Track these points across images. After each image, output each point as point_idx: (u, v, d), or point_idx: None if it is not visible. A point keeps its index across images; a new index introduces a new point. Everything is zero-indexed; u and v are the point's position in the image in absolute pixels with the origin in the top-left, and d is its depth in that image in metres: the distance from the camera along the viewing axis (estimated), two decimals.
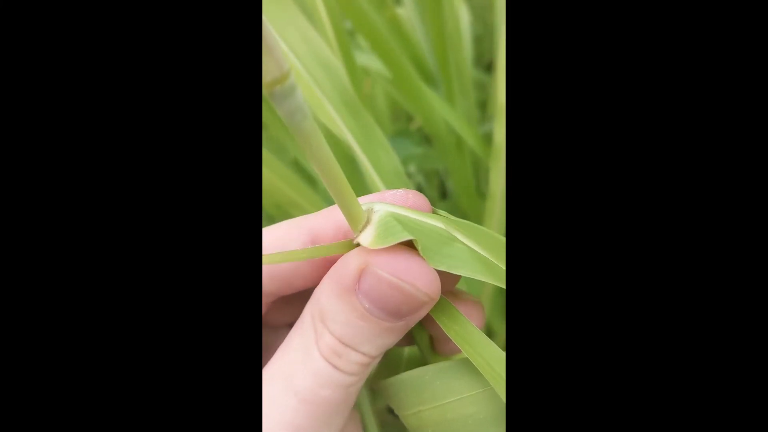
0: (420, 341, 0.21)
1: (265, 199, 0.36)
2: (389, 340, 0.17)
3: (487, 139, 0.46)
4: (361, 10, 0.36)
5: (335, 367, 0.17)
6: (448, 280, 0.19)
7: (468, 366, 0.17)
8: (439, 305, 0.17)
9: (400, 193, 0.18)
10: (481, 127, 0.54)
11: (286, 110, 0.12)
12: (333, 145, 0.35)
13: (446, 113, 0.42)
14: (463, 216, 0.49)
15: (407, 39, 0.56)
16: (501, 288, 0.42)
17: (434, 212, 0.20)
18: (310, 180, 0.43)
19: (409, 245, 0.16)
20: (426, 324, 0.20)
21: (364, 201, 0.17)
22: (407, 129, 0.58)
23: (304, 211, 0.35)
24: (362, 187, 0.37)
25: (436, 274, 0.16)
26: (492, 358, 0.16)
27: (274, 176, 0.35)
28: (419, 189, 0.53)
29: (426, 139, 0.54)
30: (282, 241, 0.19)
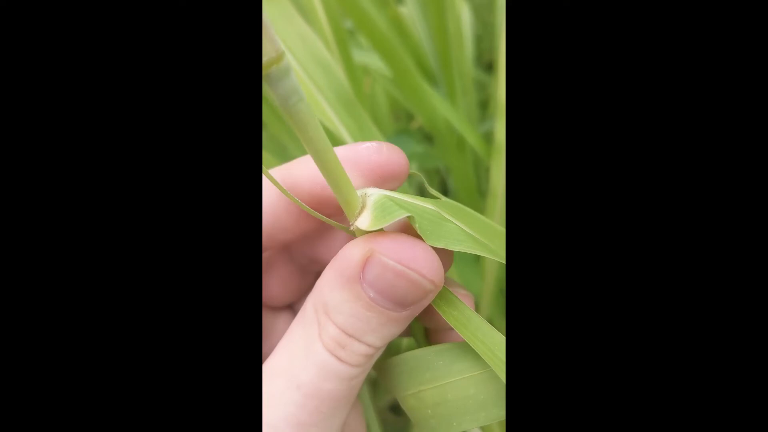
0: (416, 333, 0.21)
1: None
2: (393, 330, 0.17)
3: (488, 137, 0.46)
4: (362, 8, 0.36)
5: (339, 359, 0.16)
6: (443, 262, 0.19)
7: (469, 347, 0.17)
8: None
9: (373, 146, 0.18)
10: (481, 126, 0.55)
11: (282, 92, 0.12)
12: (333, 142, 0.36)
13: (447, 112, 0.42)
14: None
15: (409, 38, 0.56)
16: (501, 287, 0.43)
17: (427, 194, 0.20)
18: None
19: (410, 234, 0.16)
20: (420, 316, 0.20)
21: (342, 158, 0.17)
22: (408, 128, 0.58)
23: None
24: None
25: (440, 261, 0.16)
26: (492, 343, 0.16)
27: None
28: (420, 187, 0.54)
29: (427, 137, 0.54)
30: None
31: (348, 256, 0.16)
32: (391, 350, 0.23)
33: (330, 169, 0.15)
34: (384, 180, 0.18)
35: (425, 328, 0.21)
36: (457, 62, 0.52)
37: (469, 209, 0.19)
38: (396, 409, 0.47)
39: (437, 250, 0.18)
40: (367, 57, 0.49)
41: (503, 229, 0.19)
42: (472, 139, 0.43)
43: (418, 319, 0.20)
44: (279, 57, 0.12)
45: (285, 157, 0.47)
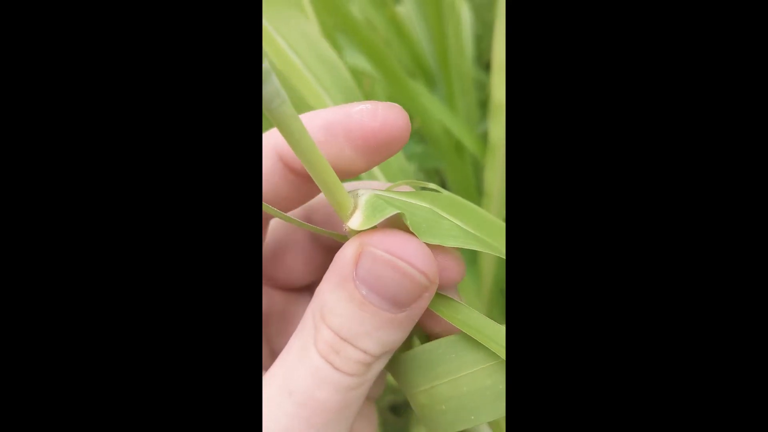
0: (418, 336, 0.21)
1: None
2: (390, 336, 0.16)
3: (486, 138, 0.46)
4: (346, 10, 0.36)
5: (332, 365, 0.16)
6: (454, 270, 0.18)
7: None
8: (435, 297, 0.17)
9: (367, 109, 0.17)
10: (481, 126, 0.55)
11: (265, 96, 0.12)
12: None
13: (443, 115, 0.43)
14: None
15: (407, 38, 0.56)
16: (500, 287, 0.43)
17: (425, 188, 0.20)
18: None
19: (406, 230, 0.16)
20: (421, 321, 0.19)
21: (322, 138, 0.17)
22: None
23: None
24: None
25: (433, 255, 0.16)
26: (497, 336, 0.16)
27: None
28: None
29: (425, 138, 0.54)
30: None
31: (342, 255, 0.16)
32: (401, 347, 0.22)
33: (318, 171, 0.15)
34: (380, 148, 0.17)
35: (426, 335, 0.21)
36: (455, 62, 0.52)
37: (467, 203, 0.19)
38: (396, 409, 0.48)
39: (448, 258, 0.18)
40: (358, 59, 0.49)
41: (502, 223, 0.19)
42: (468, 140, 0.43)
43: (418, 325, 0.20)
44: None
45: None
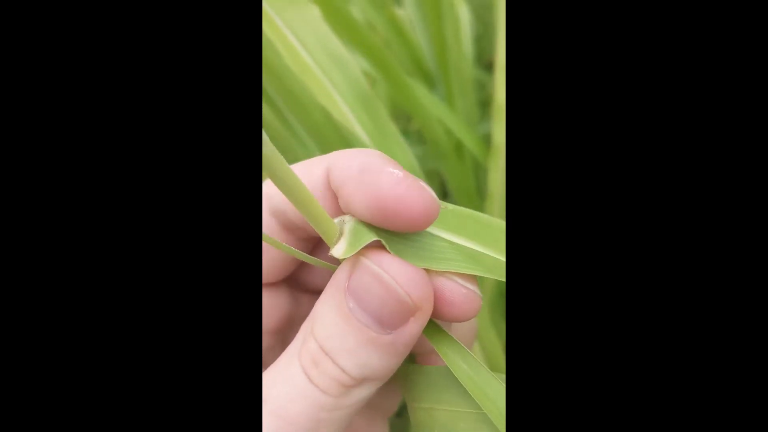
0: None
1: None
2: (371, 359, 0.15)
3: (487, 139, 0.46)
4: (342, 11, 0.36)
5: (309, 378, 0.15)
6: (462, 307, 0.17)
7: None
8: (439, 334, 0.17)
9: (396, 174, 0.16)
10: (481, 127, 0.55)
11: None
12: (346, 141, 0.36)
13: (444, 115, 0.43)
14: None
15: (407, 39, 0.56)
16: (501, 290, 0.43)
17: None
18: None
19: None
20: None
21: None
22: (407, 129, 0.59)
23: None
24: None
25: (427, 279, 0.16)
26: (491, 391, 0.16)
27: None
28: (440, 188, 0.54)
29: (426, 139, 0.55)
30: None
31: (341, 269, 0.16)
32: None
33: (302, 203, 0.15)
34: (389, 216, 0.16)
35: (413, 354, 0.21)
36: (455, 63, 0.53)
37: (470, 212, 0.19)
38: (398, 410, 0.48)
39: (457, 292, 0.17)
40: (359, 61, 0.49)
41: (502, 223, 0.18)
42: (468, 140, 0.43)
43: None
44: None
45: (286, 158, 0.47)
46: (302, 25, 0.30)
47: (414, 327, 0.16)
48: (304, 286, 0.22)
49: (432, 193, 0.16)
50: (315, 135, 0.35)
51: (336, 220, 0.16)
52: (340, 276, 0.16)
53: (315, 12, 0.30)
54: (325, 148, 0.36)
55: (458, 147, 0.48)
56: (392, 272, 0.15)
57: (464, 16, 0.62)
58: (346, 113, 0.32)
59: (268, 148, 0.13)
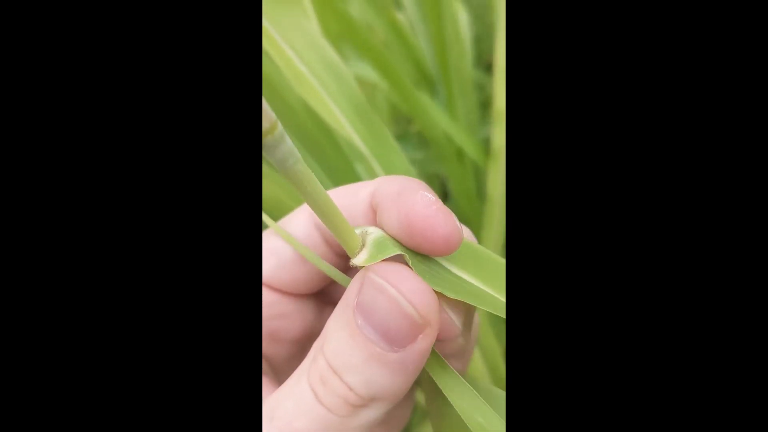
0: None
1: (266, 208, 0.37)
2: (379, 377, 0.15)
3: (487, 142, 0.47)
4: (349, 18, 0.37)
5: (316, 395, 0.15)
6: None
7: None
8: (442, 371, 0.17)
9: (428, 197, 0.16)
10: (481, 129, 0.55)
11: (279, 157, 0.13)
12: (342, 149, 0.36)
13: (444, 122, 0.43)
14: (464, 220, 0.50)
15: (408, 43, 0.57)
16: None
17: None
18: None
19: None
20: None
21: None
22: (408, 132, 0.59)
23: None
24: None
25: (434, 295, 0.16)
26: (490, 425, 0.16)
27: (274, 186, 0.36)
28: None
29: (426, 142, 0.55)
30: (344, 208, 0.18)
31: (351, 285, 0.16)
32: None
33: (329, 216, 0.15)
34: (416, 236, 0.16)
35: None
36: (455, 65, 0.53)
37: (475, 247, 0.19)
38: None
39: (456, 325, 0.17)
40: (360, 66, 0.50)
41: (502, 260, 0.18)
42: (469, 147, 0.44)
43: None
44: (272, 127, 0.13)
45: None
46: (297, 34, 0.31)
47: (423, 345, 0.15)
48: (331, 299, 0.22)
49: (457, 222, 0.16)
50: (309, 143, 0.36)
51: (358, 231, 0.17)
52: (350, 292, 0.16)
53: (310, 23, 0.31)
54: (320, 156, 0.37)
55: (459, 151, 0.48)
56: (397, 285, 0.15)
57: (463, 17, 0.63)
58: (342, 121, 0.33)
59: (300, 164, 0.14)
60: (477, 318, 0.21)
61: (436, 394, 0.18)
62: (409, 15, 0.58)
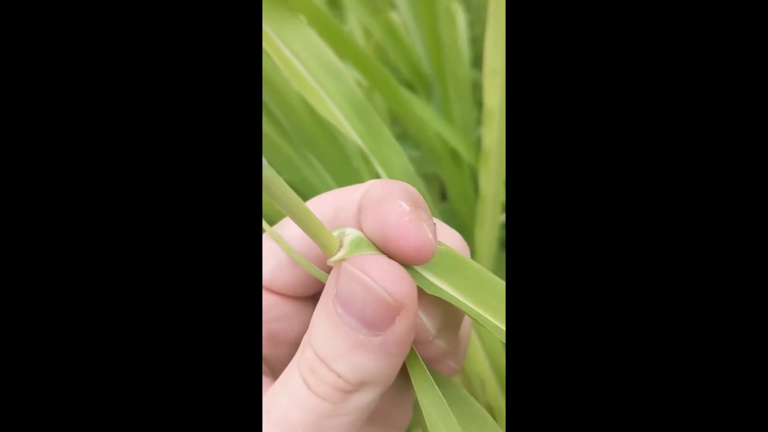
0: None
1: (265, 207, 0.38)
2: (365, 362, 0.16)
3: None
4: (335, 24, 0.38)
5: (308, 385, 0.16)
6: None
7: None
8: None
9: (402, 207, 0.17)
10: (479, 129, 0.57)
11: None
12: (344, 148, 0.37)
13: (437, 125, 0.44)
14: (461, 221, 0.51)
15: (402, 44, 0.58)
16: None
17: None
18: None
19: None
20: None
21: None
22: (405, 133, 0.61)
23: None
24: None
25: (408, 279, 0.16)
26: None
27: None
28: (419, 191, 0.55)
29: (420, 144, 0.56)
30: (333, 211, 0.19)
31: (329, 277, 0.17)
32: None
33: (301, 219, 0.16)
34: (393, 247, 0.17)
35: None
36: (451, 66, 0.54)
37: (466, 260, 0.19)
38: None
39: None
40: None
41: (502, 282, 0.18)
42: (462, 147, 0.45)
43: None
44: None
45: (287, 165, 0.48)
46: (296, 39, 0.32)
47: (401, 327, 0.16)
48: None
49: (428, 235, 0.17)
50: (309, 141, 0.37)
51: (336, 233, 0.17)
52: (329, 284, 0.17)
53: (309, 27, 0.32)
54: (320, 153, 0.38)
55: (454, 151, 0.49)
56: (370, 272, 0.16)
57: (460, 17, 0.64)
58: (342, 121, 0.34)
59: (266, 169, 0.14)
60: (467, 322, 0.21)
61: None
62: (403, 16, 0.59)
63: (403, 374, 0.18)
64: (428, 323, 0.18)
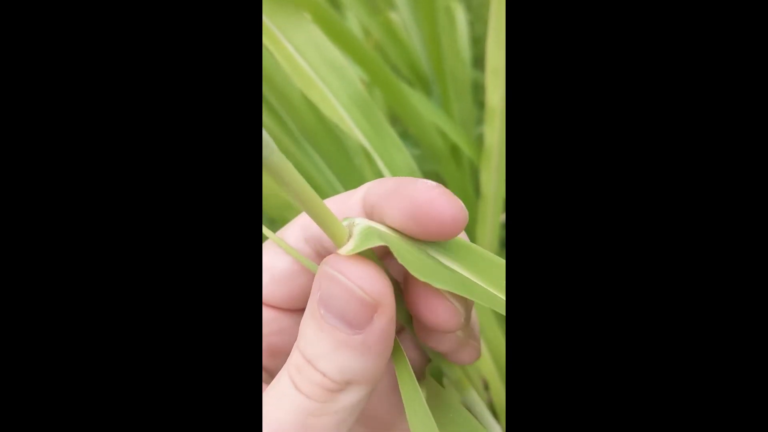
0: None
1: (265, 204, 0.39)
2: (349, 361, 0.16)
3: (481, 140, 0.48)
4: (336, 20, 0.38)
5: (295, 385, 0.17)
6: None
7: None
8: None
9: (428, 184, 0.17)
10: (478, 128, 0.57)
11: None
12: (346, 146, 0.37)
13: (438, 120, 0.45)
14: None
15: (401, 42, 0.59)
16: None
17: None
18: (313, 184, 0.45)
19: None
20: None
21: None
22: (406, 131, 0.61)
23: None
24: None
25: (383, 276, 0.16)
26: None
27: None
28: None
29: (420, 142, 0.57)
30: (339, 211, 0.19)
31: (314, 281, 0.17)
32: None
33: (312, 207, 0.16)
34: (422, 221, 0.17)
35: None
36: (450, 65, 0.55)
37: (474, 247, 0.19)
38: None
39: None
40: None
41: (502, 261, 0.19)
42: (463, 143, 0.45)
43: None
44: None
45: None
46: (301, 36, 0.32)
47: (380, 324, 0.16)
48: None
49: (461, 203, 0.17)
50: (313, 140, 0.38)
51: (345, 223, 0.17)
52: (314, 287, 0.17)
53: (312, 24, 0.32)
54: (323, 150, 0.39)
55: (454, 150, 0.50)
56: (347, 272, 0.16)
57: (461, 17, 0.64)
58: (345, 118, 0.34)
59: (276, 155, 0.14)
60: (474, 313, 0.21)
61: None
62: (403, 15, 0.60)
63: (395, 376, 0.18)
64: (459, 306, 0.18)
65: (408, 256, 0.17)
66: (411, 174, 0.35)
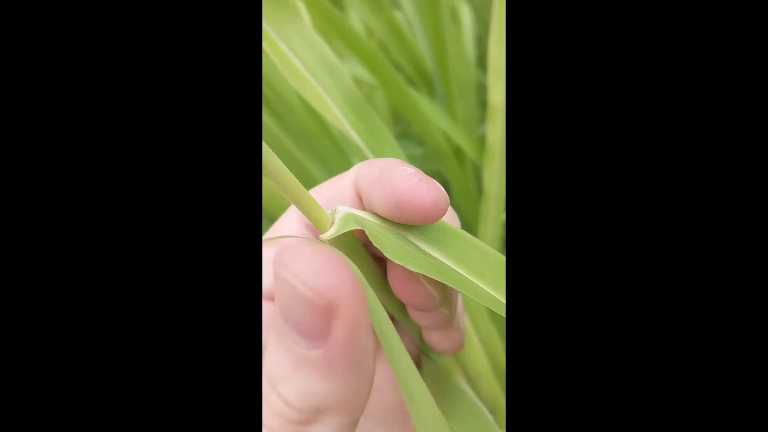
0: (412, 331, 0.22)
1: (265, 203, 0.39)
2: (311, 383, 0.13)
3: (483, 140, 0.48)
4: (341, 19, 0.39)
5: (263, 416, 0.14)
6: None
7: None
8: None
9: (408, 171, 0.17)
10: (481, 128, 0.57)
11: None
12: (339, 144, 0.38)
13: (441, 121, 0.45)
14: (464, 219, 0.52)
15: (406, 42, 0.59)
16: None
17: None
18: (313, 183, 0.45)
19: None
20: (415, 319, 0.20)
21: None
22: (408, 130, 0.61)
23: None
24: None
25: (345, 271, 0.13)
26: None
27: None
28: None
29: (424, 142, 0.57)
30: (325, 202, 0.19)
31: None
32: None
33: (293, 193, 0.16)
34: (404, 208, 0.17)
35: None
36: (454, 65, 0.55)
37: (469, 238, 0.19)
38: None
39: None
40: (356, 67, 0.52)
41: (502, 257, 0.18)
42: (466, 144, 0.45)
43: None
44: None
45: (287, 159, 0.49)
46: (295, 36, 0.32)
47: (341, 334, 0.13)
48: None
49: (440, 188, 0.17)
50: (306, 138, 0.38)
51: (329, 211, 0.18)
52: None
53: (307, 25, 0.33)
54: (317, 151, 0.39)
55: (457, 149, 0.50)
56: (292, 266, 0.13)
57: (466, 17, 0.64)
58: (341, 119, 0.34)
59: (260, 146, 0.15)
60: (460, 305, 0.22)
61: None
62: (408, 15, 0.60)
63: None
64: (432, 290, 0.18)
65: (384, 240, 0.17)
66: None
